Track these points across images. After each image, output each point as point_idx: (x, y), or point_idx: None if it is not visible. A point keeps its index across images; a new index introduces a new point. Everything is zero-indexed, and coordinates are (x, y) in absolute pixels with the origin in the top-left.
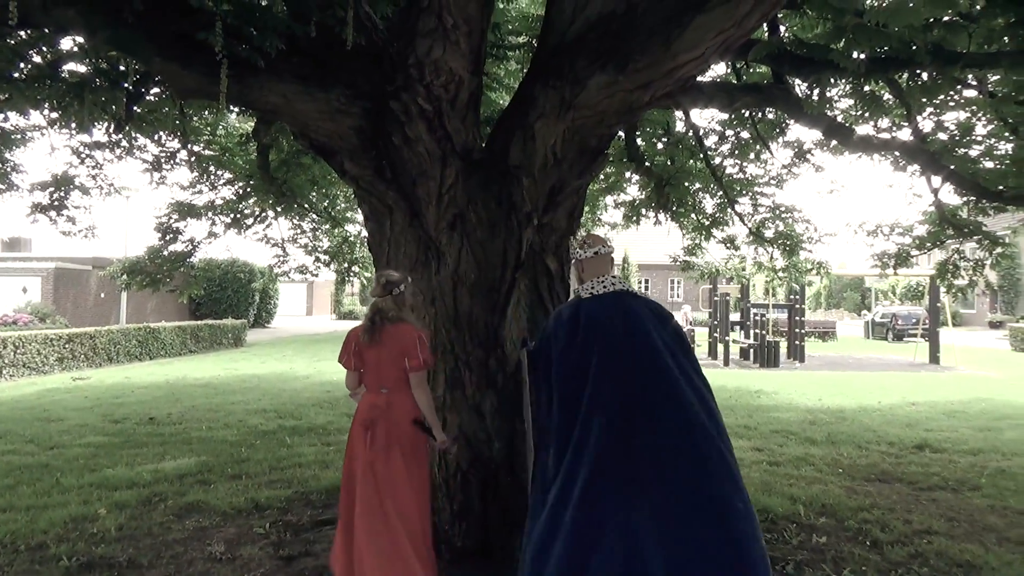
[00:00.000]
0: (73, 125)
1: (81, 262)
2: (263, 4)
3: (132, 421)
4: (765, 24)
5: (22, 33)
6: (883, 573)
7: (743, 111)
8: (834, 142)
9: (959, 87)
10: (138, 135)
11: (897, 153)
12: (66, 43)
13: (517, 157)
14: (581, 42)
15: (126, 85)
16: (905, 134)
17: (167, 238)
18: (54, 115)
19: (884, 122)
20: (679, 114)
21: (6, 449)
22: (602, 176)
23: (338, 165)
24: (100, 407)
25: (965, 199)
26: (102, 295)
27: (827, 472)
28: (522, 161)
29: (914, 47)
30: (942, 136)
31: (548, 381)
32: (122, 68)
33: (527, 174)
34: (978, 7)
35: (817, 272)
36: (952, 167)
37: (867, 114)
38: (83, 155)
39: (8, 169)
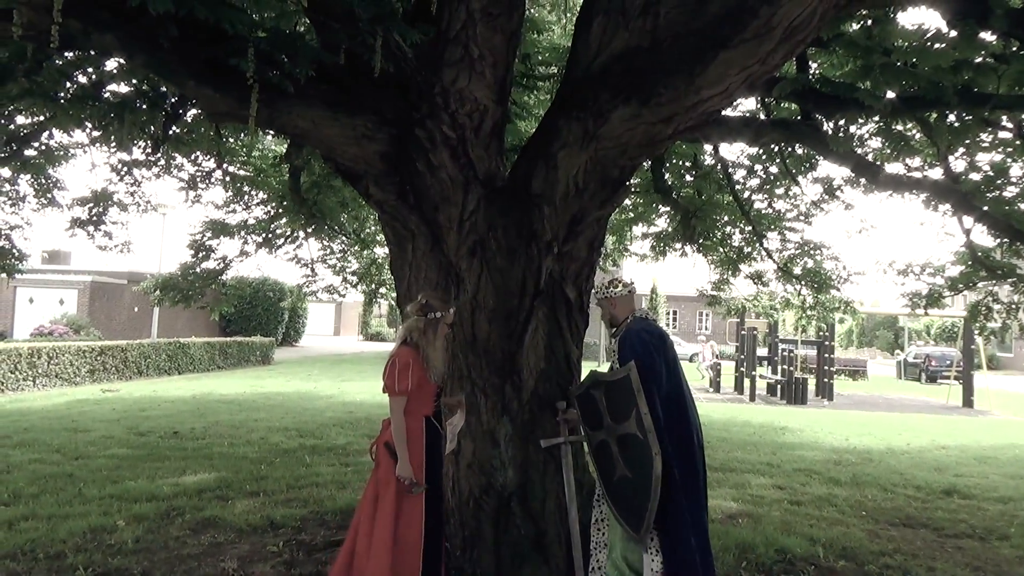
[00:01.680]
0: (113, 143)
1: (117, 276)
2: (295, 32)
3: (156, 434)
4: (795, 60)
5: (68, 55)
6: None
7: (771, 146)
8: (863, 180)
9: (991, 128)
10: (175, 154)
11: (928, 193)
12: (110, 64)
13: (539, 186)
14: (605, 75)
15: (165, 107)
16: (937, 173)
17: (200, 255)
18: (96, 134)
19: (915, 161)
20: (708, 147)
21: (33, 458)
22: (630, 206)
23: (363, 189)
24: (127, 419)
25: (999, 241)
26: (136, 309)
27: (850, 514)
28: (544, 190)
29: (942, 87)
30: (975, 177)
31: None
32: (162, 90)
33: (548, 203)
34: (1013, 48)
35: (845, 311)
36: (985, 208)
37: (896, 153)
38: (122, 172)
39: (50, 185)
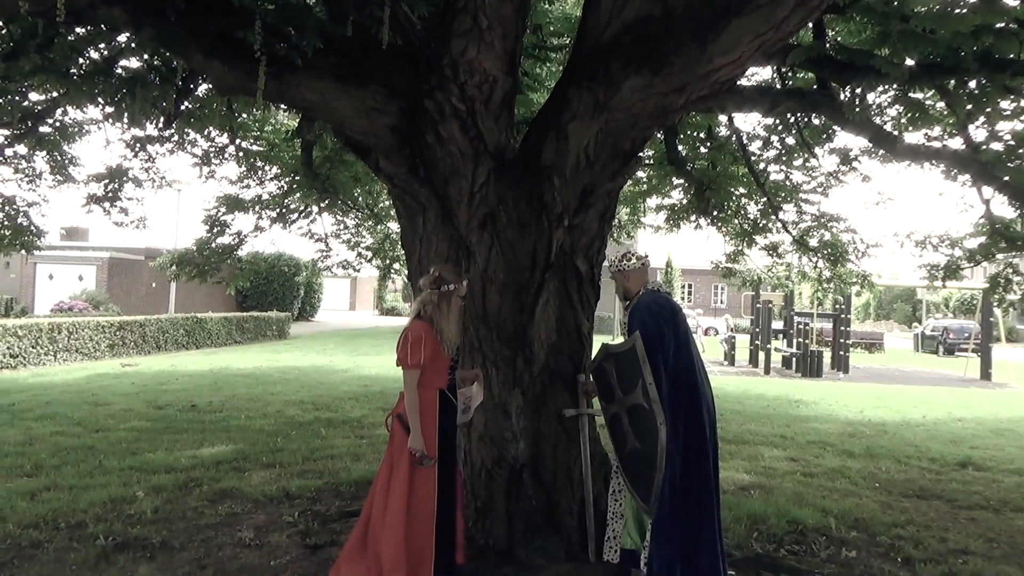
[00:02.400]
0: (126, 119)
1: (134, 252)
2: (302, 4)
3: (175, 408)
4: (811, 27)
5: (79, 31)
6: None
7: (787, 116)
8: (881, 150)
9: (1013, 96)
10: (188, 130)
11: (948, 163)
12: (121, 39)
13: (549, 157)
14: (616, 45)
15: (176, 82)
16: (957, 143)
17: (215, 231)
18: (108, 110)
19: (935, 131)
20: (723, 118)
21: (55, 430)
22: (644, 178)
23: (373, 163)
24: (145, 393)
25: (1019, 212)
26: (153, 285)
27: (863, 486)
28: (554, 162)
29: (962, 53)
30: (996, 146)
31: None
32: (173, 65)
33: (559, 175)
34: None
35: (861, 285)
36: (1006, 178)
37: (915, 123)
38: (136, 148)
39: (66, 161)
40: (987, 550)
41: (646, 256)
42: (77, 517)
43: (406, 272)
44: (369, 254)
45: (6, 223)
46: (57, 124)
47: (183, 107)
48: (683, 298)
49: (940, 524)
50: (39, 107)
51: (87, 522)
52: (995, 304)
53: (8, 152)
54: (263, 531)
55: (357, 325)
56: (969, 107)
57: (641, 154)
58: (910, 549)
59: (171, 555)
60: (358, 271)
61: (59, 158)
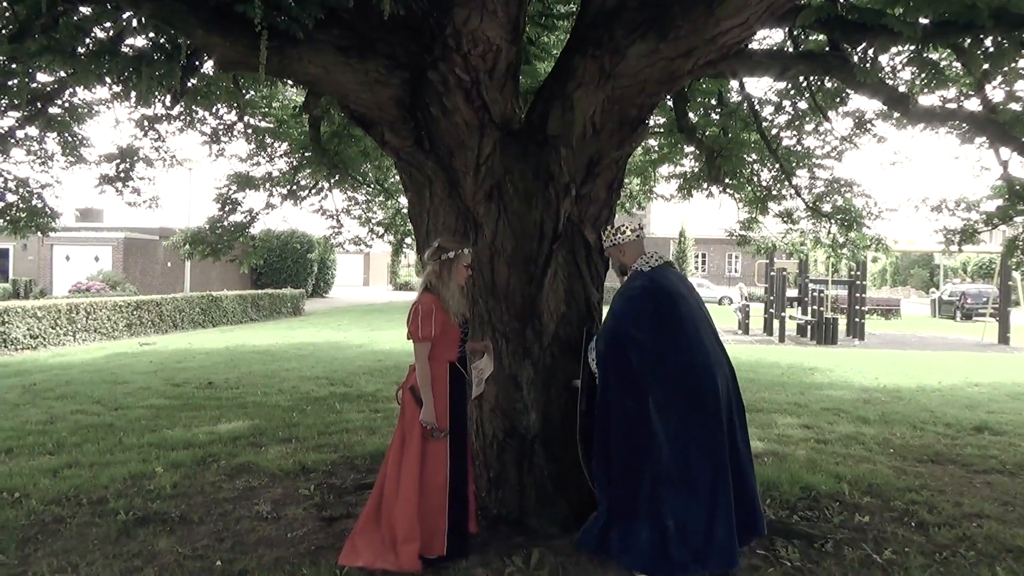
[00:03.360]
0: (133, 98)
1: (149, 232)
2: None
3: (192, 385)
4: None
5: (84, 10)
6: (927, 555)
7: (799, 80)
8: (896, 113)
9: None
10: (196, 108)
11: (964, 124)
12: (127, 17)
13: (555, 127)
14: (621, 10)
15: (180, 59)
16: (973, 104)
17: (227, 209)
18: (116, 89)
19: (951, 92)
20: (734, 83)
21: (75, 409)
22: (655, 147)
23: (378, 136)
24: (163, 371)
25: None
26: (169, 264)
27: (877, 452)
28: (560, 131)
29: (977, 10)
30: (1014, 106)
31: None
32: (178, 43)
33: (565, 144)
34: None
35: (876, 249)
36: None
37: (929, 84)
38: (146, 128)
39: (77, 142)
40: (1002, 513)
41: (640, 227)
42: (98, 493)
43: (415, 246)
44: (381, 229)
45: (21, 206)
46: (66, 105)
47: (189, 85)
48: (697, 267)
49: (955, 488)
50: (48, 88)
51: (108, 498)
52: (1013, 268)
53: (20, 134)
54: (280, 504)
55: (371, 300)
56: (985, 66)
57: (648, 122)
58: (924, 513)
59: (190, 528)
60: (370, 247)
61: (70, 139)
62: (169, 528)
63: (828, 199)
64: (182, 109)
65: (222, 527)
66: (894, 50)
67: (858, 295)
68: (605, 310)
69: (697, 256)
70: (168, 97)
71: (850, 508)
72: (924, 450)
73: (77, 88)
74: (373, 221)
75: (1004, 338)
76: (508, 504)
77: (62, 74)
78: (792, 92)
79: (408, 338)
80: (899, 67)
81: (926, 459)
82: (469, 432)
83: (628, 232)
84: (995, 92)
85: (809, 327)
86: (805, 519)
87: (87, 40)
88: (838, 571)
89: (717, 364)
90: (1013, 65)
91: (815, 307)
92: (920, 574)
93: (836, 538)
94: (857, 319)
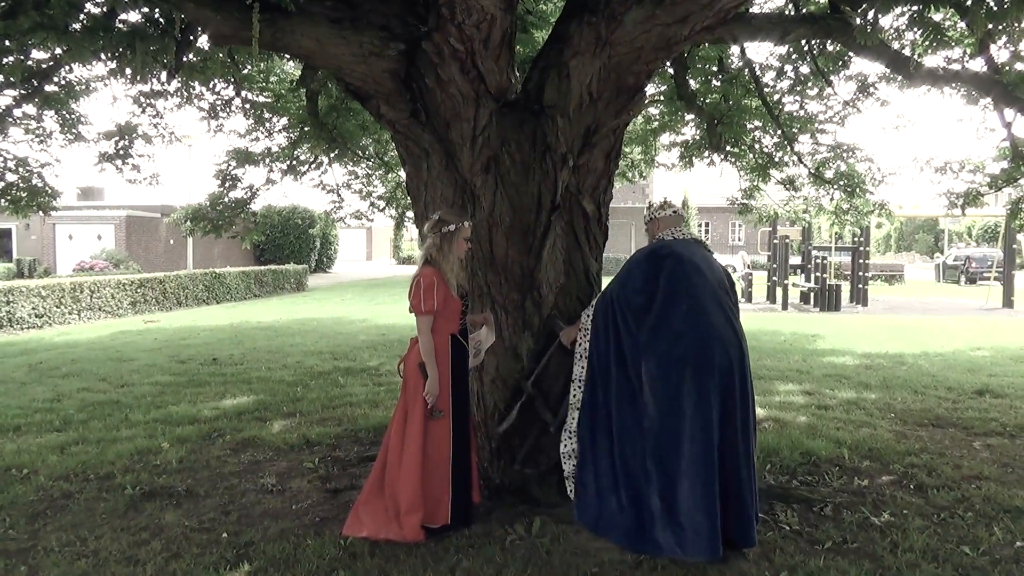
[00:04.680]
0: (129, 74)
1: (151, 210)
2: None
3: (197, 362)
4: None
5: None
6: (925, 517)
7: (801, 44)
8: (899, 76)
9: None
10: (194, 83)
11: (968, 86)
12: None
13: (552, 97)
14: None
15: (175, 34)
16: (978, 65)
17: (227, 185)
18: (112, 65)
19: (955, 53)
20: (735, 49)
21: (81, 386)
22: (655, 115)
23: (374, 109)
24: (168, 348)
25: None
26: (171, 242)
27: (878, 416)
28: (557, 101)
29: None
30: (1020, 67)
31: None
32: (172, 16)
33: (562, 114)
34: None
35: (879, 214)
36: None
37: (932, 45)
38: (144, 104)
39: (75, 120)
40: (1001, 475)
41: (676, 206)
42: (105, 469)
43: (414, 218)
44: (382, 203)
45: (21, 185)
46: (63, 82)
47: (185, 60)
48: (700, 237)
49: (955, 451)
50: (44, 66)
51: (115, 473)
52: (1017, 230)
53: (17, 113)
54: (285, 477)
55: (374, 275)
56: (989, 25)
57: (646, 90)
58: (923, 476)
59: (196, 502)
60: (371, 221)
61: (68, 117)
62: (176, 502)
63: (831, 165)
64: (179, 85)
65: (228, 500)
66: (896, 11)
67: (862, 261)
68: (605, 281)
69: (700, 225)
70: (164, 73)
71: (849, 472)
72: (925, 414)
73: (73, 65)
74: (374, 195)
75: (1008, 301)
76: (510, 474)
77: (57, 51)
78: (794, 56)
79: (410, 311)
80: (902, 28)
81: (927, 423)
82: (470, 404)
83: (667, 208)
84: (1000, 52)
85: (812, 294)
86: (805, 484)
87: (80, 16)
88: (836, 534)
89: (721, 342)
90: (1017, 24)
91: (818, 274)
92: (918, 536)
93: (835, 502)
94: (860, 285)
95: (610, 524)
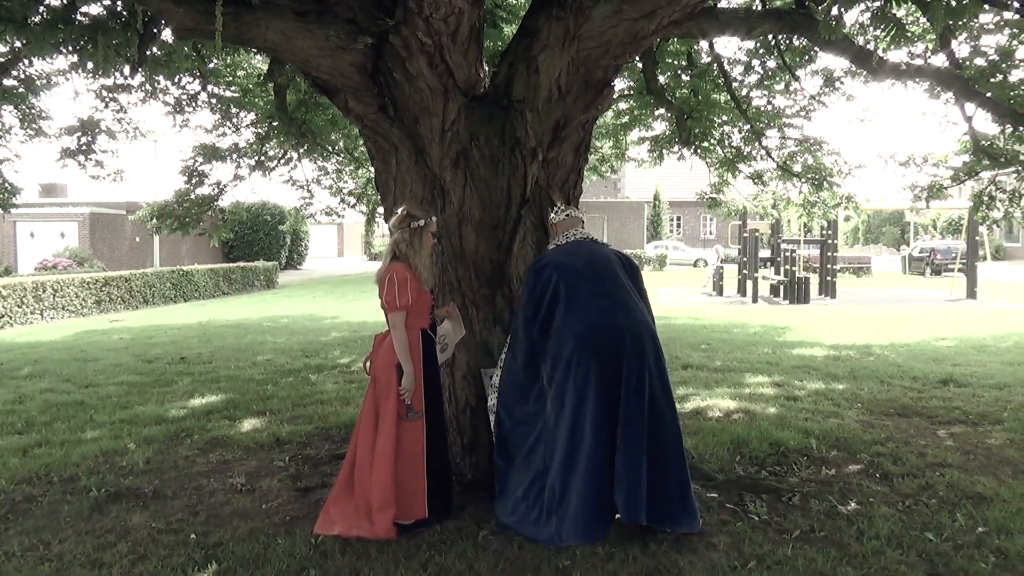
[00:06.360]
0: (91, 68)
1: (115, 207)
2: None
3: (164, 361)
4: None
5: None
6: (891, 504)
7: (768, 39)
8: (864, 71)
9: (993, 7)
10: (159, 77)
11: (931, 81)
12: None
13: (520, 91)
14: None
15: (137, 27)
16: (940, 60)
17: (193, 181)
18: (73, 59)
19: (918, 48)
20: (704, 44)
21: (44, 387)
22: (625, 109)
23: (342, 103)
24: (134, 347)
25: (1002, 128)
26: (137, 239)
27: (845, 407)
28: (526, 95)
29: None
30: (980, 62)
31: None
32: (135, 9)
33: (531, 108)
34: None
35: (846, 206)
36: (988, 94)
37: (893, 40)
38: (107, 99)
39: (35, 115)
40: (963, 462)
41: (570, 208)
42: (69, 471)
43: (383, 214)
44: (352, 199)
45: None
46: (23, 76)
47: (148, 53)
48: (672, 231)
49: (919, 440)
50: (2, 59)
51: (79, 475)
52: (980, 222)
53: None
54: (254, 476)
55: (345, 271)
56: (949, 21)
57: (614, 84)
58: (888, 465)
59: (164, 503)
60: (342, 217)
61: (28, 111)
62: (142, 503)
63: (798, 158)
64: (143, 79)
65: (196, 501)
66: (860, 7)
67: (830, 254)
68: None
69: (672, 219)
70: (127, 67)
71: (817, 462)
72: (891, 404)
73: (33, 59)
74: (344, 191)
75: (972, 292)
76: (483, 469)
77: (16, 45)
78: (761, 51)
79: (383, 308)
80: (866, 24)
81: (892, 412)
82: (442, 399)
83: (561, 213)
84: (960, 48)
85: (782, 287)
86: (773, 474)
87: (40, 8)
88: (804, 523)
89: (604, 334)
90: (975, 19)
91: (787, 267)
92: (884, 523)
93: (803, 491)
94: (829, 278)
95: (523, 520)
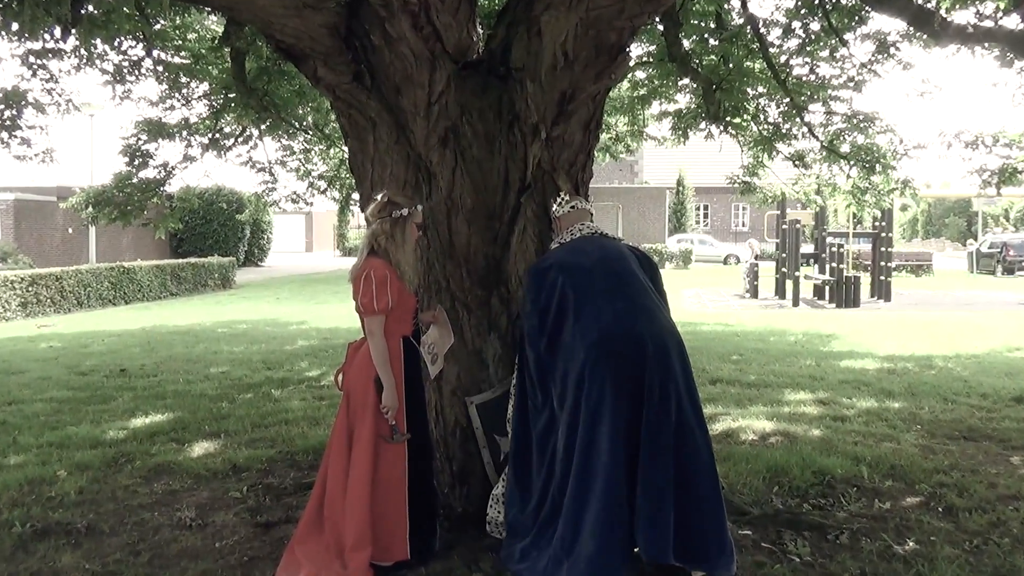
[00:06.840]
0: (15, 29)
1: (44, 192)
2: None
3: (101, 373)
4: None
5: None
6: (955, 544)
7: None
8: (923, 34)
9: None
10: (96, 41)
11: (1003, 45)
12: None
13: (520, 58)
14: None
15: None
16: (1014, 21)
17: (136, 163)
18: None
19: (988, 7)
20: (735, 2)
21: None
22: (643, 79)
23: (310, 71)
24: (66, 357)
25: None
26: (70, 231)
27: (902, 429)
28: (526, 63)
29: None
30: None
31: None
32: None
33: (532, 78)
34: None
35: (902, 193)
36: None
37: None
38: (35, 66)
39: None
40: None
41: (576, 199)
42: None
43: (359, 201)
44: (323, 184)
45: None
46: None
47: (84, 12)
48: (698, 222)
49: (989, 468)
50: None
51: (1, 508)
52: None
53: None
54: (206, 509)
55: (315, 269)
56: None
57: (630, 50)
58: (953, 497)
59: (99, 541)
60: (311, 204)
61: None
62: (74, 541)
63: (846, 137)
64: (77, 42)
65: (138, 538)
66: None
67: (883, 249)
68: None
69: (698, 208)
70: (58, 28)
71: (869, 494)
72: (956, 425)
73: None
74: (313, 174)
75: None
76: (475, 501)
77: None
78: (803, 11)
79: (358, 311)
80: None
81: (958, 435)
82: (428, 418)
83: (566, 205)
84: None
85: (827, 288)
86: (818, 507)
87: None
88: (854, 565)
89: (623, 340)
90: None
91: (834, 264)
92: (947, 566)
93: (852, 528)
94: (882, 277)
95: (532, 568)
